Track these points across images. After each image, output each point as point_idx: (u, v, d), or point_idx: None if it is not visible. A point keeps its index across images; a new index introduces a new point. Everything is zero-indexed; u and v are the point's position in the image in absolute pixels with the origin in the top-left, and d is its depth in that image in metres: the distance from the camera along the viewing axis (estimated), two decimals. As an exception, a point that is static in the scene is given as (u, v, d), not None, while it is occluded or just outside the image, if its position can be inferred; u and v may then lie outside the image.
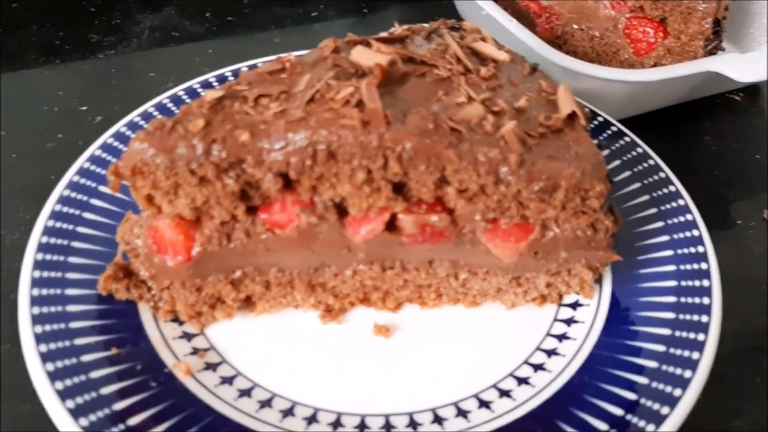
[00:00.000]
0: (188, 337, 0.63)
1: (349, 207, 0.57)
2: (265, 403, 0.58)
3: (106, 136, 0.75)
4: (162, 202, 0.56)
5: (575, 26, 0.94)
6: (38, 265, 0.62)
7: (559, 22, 0.96)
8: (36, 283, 0.61)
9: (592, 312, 0.64)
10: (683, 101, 0.92)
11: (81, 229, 0.67)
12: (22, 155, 0.84)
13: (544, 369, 0.61)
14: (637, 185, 0.73)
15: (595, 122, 0.78)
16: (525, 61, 0.67)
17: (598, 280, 0.66)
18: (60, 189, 0.69)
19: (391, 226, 0.59)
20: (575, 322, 0.64)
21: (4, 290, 0.69)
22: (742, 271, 0.73)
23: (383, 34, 0.65)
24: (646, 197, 0.71)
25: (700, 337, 0.58)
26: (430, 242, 0.60)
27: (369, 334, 0.64)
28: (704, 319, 0.60)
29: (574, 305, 0.66)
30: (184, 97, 0.81)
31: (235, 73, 0.85)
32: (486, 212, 0.58)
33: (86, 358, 0.57)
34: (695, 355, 0.57)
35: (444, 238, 0.60)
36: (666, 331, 0.60)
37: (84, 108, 0.91)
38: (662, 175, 0.72)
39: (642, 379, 0.57)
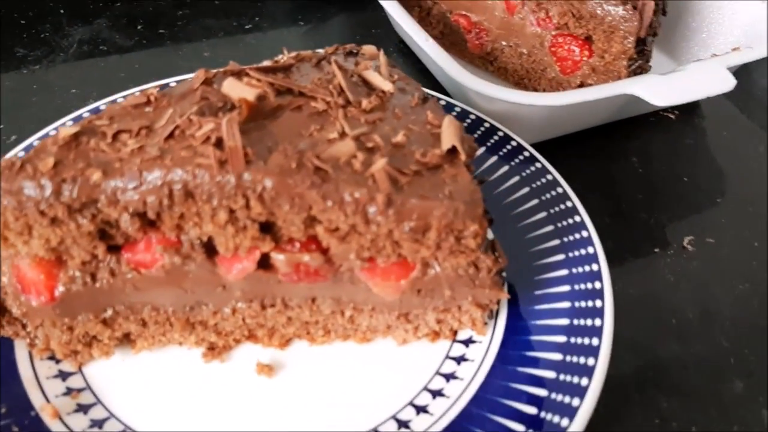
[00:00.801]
0: (63, 376, 0.61)
1: (217, 246, 0.55)
2: (135, 449, 0.56)
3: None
4: (17, 242, 0.54)
5: (504, 42, 0.92)
6: None
7: (489, 38, 0.93)
8: None
9: (483, 349, 0.62)
10: (610, 121, 0.89)
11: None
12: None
13: (426, 411, 0.58)
14: (543, 214, 0.70)
15: (508, 147, 0.76)
16: (418, 90, 0.64)
17: (494, 315, 0.64)
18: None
19: (266, 264, 0.57)
20: (465, 360, 0.62)
21: None
22: (651, 301, 0.71)
23: (266, 63, 0.62)
24: (550, 227, 0.69)
25: (584, 382, 0.56)
26: (307, 280, 0.58)
27: (252, 373, 0.62)
28: (591, 362, 0.57)
29: (467, 342, 0.64)
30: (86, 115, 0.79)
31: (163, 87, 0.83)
32: (360, 251, 0.56)
33: (-52, 400, 0.55)
34: (584, 382, 0.55)
35: (321, 277, 0.58)
36: (553, 375, 0.58)
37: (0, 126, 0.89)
38: (569, 204, 0.70)
39: (521, 429, 0.55)
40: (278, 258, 0.56)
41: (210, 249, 0.56)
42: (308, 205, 0.53)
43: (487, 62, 0.96)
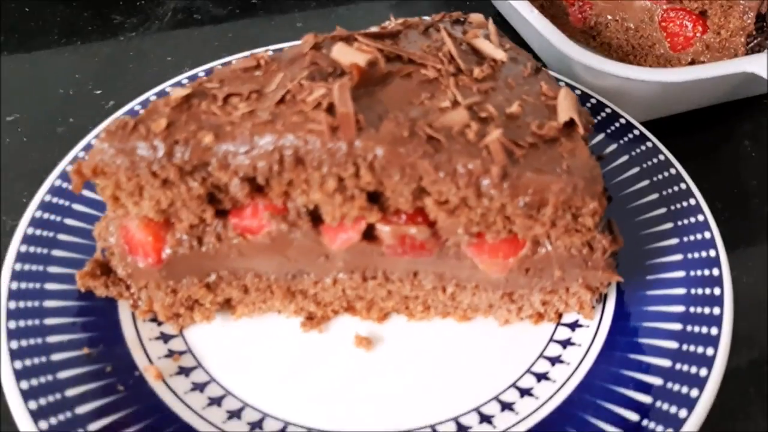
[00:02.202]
0: (165, 338, 0.61)
1: (323, 215, 0.54)
2: (234, 414, 0.56)
3: (103, 125, 0.74)
4: (127, 203, 0.54)
5: (609, 17, 0.88)
6: (21, 257, 0.62)
7: (593, 12, 0.89)
8: (16, 276, 0.60)
9: (591, 334, 0.60)
10: (721, 102, 0.84)
11: (68, 221, 0.66)
12: (31, 139, 0.84)
13: (531, 395, 0.56)
14: (654, 196, 0.67)
15: (616, 124, 0.72)
16: (530, 60, 0.62)
17: (602, 299, 0.61)
18: (52, 179, 0.69)
19: (370, 235, 0.56)
20: (571, 344, 0.60)
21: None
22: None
23: (374, 29, 0.60)
24: (663, 210, 0.66)
25: (703, 372, 0.53)
26: (411, 254, 0.56)
27: (350, 345, 0.61)
28: (710, 352, 0.54)
29: (573, 325, 0.61)
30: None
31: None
32: (469, 226, 0.54)
33: (57, 357, 0.56)
34: (703, 372, 0.53)
35: (426, 251, 0.56)
36: (668, 363, 0.55)
37: (98, 92, 0.91)
38: (683, 186, 0.66)
39: (635, 417, 0.52)
40: (383, 229, 0.55)
41: (315, 217, 0.55)
42: (419, 176, 0.51)
43: (589, 37, 0.92)
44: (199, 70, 0.80)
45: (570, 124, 0.54)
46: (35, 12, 1.03)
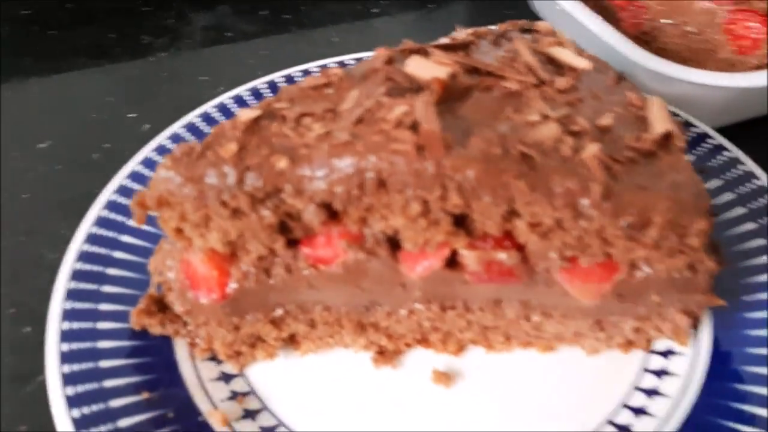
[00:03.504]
0: (226, 378, 0.57)
1: (404, 241, 0.50)
2: (308, 461, 0.52)
3: (147, 150, 0.71)
4: (192, 235, 0.49)
5: (665, 21, 0.84)
6: (70, 294, 0.58)
7: (647, 17, 0.85)
8: (67, 315, 0.56)
9: (688, 363, 0.55)
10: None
11: (117, 254, 0.62)
12: (66, 166, 0.80)
13: (629, 431, 0.52)
14: (741, 210, 0.62)
15: (691, 134, 0.68)
16: (609, 69, 0.58)
17: (695, 325, 0.57)
18: (97, 209, 0.65)
19: (452, 261, 0.51)
20: (667, 374, 0.55)
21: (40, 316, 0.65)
22: None
23: (444, 40, 0.56)
24: (751, 225, 0.61)
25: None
26: (497, 281, 0.52)
27: (428, 381, 0.56)
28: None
29: (666, 353, 0.57)
30: (232, 106, 0.75)
31: (289, 79, 0.79)
32: (563, 249, 0.50)
33: (115, 403, 0.52)
34: None
35: (513, 278, 0.52)
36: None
37: (132, 115, 0.87)
38: (771, 198, 0.62)
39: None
40: (468, 255, 0.50)
41: (394, 244, 0.51)
42: (511, 197, 0.47)
43: (643, 43, 0.87)
44: (243, 90, 0.77)
45: (667, 137, 0.50)
46: (60, 34, 1.00)
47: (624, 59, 0.71)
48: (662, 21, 0.84)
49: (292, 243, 0.51)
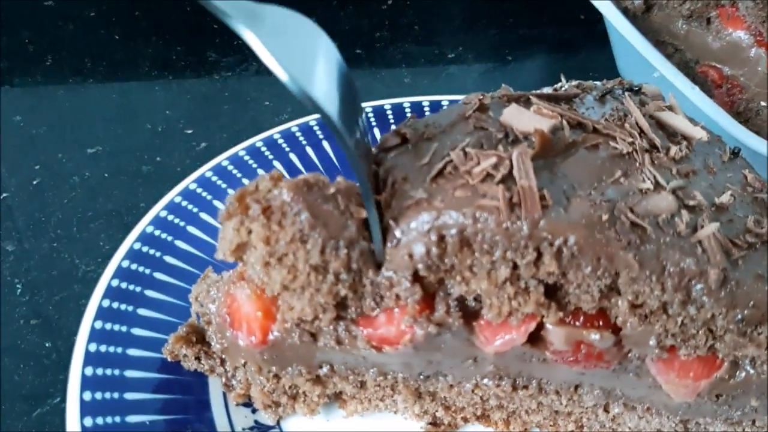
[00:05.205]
0: (261, 429, 0.51)
1: (485, 309, 0.44)
2: None
3: (204, 169, 0.66)
4: (254, 260, 0.43)
5: (763, 103, 0.78)
6: (103, 313, 0.53)
7: (743, 96, 0.80)
8: (96, 336, 0.52)
9: (782, 482, 0.48)
10: None
11: (158, 275, 0.57)
12: (114, 175, 0.77)
13: None
14: None
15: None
16: (722, 142, 0.52)
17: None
18: (143, 224, 0.60)
19: (535, 337, 0.45)
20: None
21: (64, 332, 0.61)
22: None
23: (546, 90, 0.52)
24: None
25: None
26: (583, 364, 0.46)
27: (481, 462, 0.50)
28: None
29: (754, 466, 0.50)
30: (298, 134, 0.71)
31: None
32: (663, 337, 0.43)
33: (138, 444, 0.47)
34: None
35: (601, 362, 0.45)
36: None
37: (189, 131, 0.83)
38: None
39: None
40: (555, 332, 0.44)
41: (468, 312, 0.45)
42: (615, 271, 0.41)
43: (735, 122, 0.82)
44: (311, 118, 0.72)
45: (792, 225, 0.44)
46: (126, 42, 0.97)
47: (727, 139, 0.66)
48: (759, 103, 0.79)
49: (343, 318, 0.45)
